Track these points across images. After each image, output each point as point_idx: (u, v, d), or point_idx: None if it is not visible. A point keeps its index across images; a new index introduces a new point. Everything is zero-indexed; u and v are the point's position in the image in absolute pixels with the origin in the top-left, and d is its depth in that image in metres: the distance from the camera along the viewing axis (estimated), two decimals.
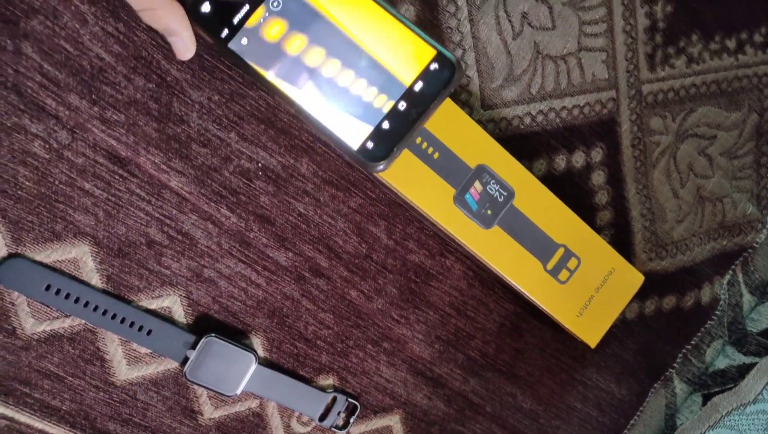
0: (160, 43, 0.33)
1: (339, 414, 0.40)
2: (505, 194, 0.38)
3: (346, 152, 0.31)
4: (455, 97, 0.40)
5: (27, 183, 0.32)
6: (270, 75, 0.30)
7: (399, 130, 0.31)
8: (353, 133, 0.31)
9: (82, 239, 0.33)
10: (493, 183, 0.38)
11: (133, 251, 0.34)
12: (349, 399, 0.41)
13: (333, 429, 0.41)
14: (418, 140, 0.36)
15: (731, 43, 0.48)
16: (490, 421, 0.46)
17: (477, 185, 0.38)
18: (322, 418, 0.40)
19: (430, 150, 0.37)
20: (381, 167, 0.31)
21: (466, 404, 0.45)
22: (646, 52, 0.45)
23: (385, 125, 0.31)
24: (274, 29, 0.30)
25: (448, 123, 0.37)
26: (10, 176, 0.31)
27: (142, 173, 0.34)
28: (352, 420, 0.41)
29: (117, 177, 0.33)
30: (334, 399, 0.40)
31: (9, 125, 0.31)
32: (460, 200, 0.38)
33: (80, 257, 0.34)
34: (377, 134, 0.31)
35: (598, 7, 0.43)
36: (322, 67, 0.31)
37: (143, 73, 0.33)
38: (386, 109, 0.31)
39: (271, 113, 0.36)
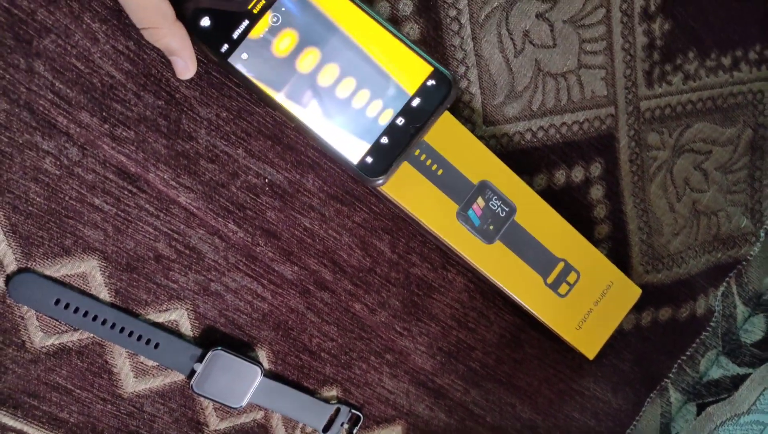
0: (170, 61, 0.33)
1: (342, 425, 0.41)
2: (507, 209, 0.39)
3: (346, 167, 0.31)
4: (458, 114, 0.41)
5: (38, 199, 0.32)
6: (270, 90, 0.31)
7: (397, 145, 0.31)
8: (353, 148, 0.31)
9: (91, 254, 0.34)
10: (495, 199, 0.39)
11: (142, 265, 0.35)
12: (353, 410, 0.41)
13: None
14: (423, 156, 0.37)
15: (727, 61, 0.49)
16: (491, 431, 0.46)
17: (479, 201, 0.38)
18: (326, 429, 0.40)
19: (434, 166, 0.37)
20: (380, 181, 0.31)
21: (467, 414, 0.45)
22: (644, 69, 0.46)
23: (384, 140, 0.31)
24: (275, 43, 0.31)
25: (452, 140, 0.38)
26: (22, 192, 0.32)
27: (151, 188, 0.34)
28: (355, 431, 0.41)
29: (126, 193, 0.34)
30: (338, 411, 0.41)
31: (21, 142, 0.31)
32: (463, 215, 0.38)
33: (89, 272, 0.34)
34: (376, 149, 0.31)
35: (597, 25, 0.44)
36: (324, 80, 0.31)
37: (153, 90, 0.33)
38: (385, 124, 0.31)
39: (278, 130, 0.36)
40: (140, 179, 0.34)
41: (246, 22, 0.30)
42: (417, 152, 0.37)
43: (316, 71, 0.31)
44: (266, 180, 0.36)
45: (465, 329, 0.44)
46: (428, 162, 0.37)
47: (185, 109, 0.34)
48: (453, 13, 0.39)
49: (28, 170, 0.32)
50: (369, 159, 0.31)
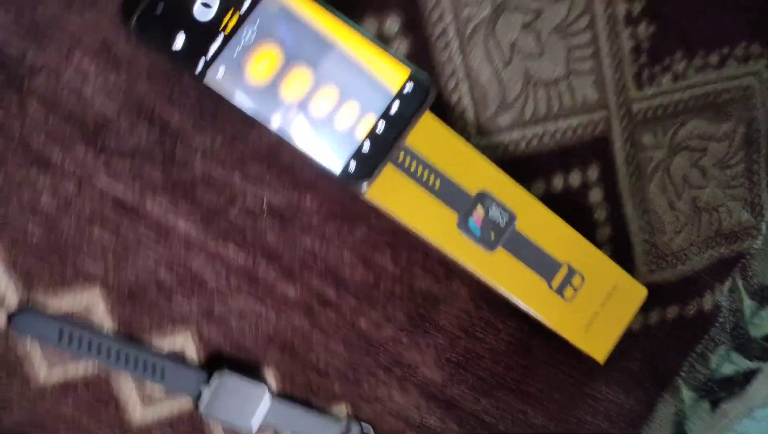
0: (162, 91, 0.32)
1: None
2: (507, 217, 0.37)
3: (330, 174, 0.30)
4: (451, 126, 0.39)
5: (37, 234, 0.31)
6: (248, 105, 0.30)
7: (379, 150, 0.30)
8: (335, 155, 0.30)
9: (93, 285, 0.32)
10: (495, 207, 0.37)
11: (144, 293, 0.33)
12: (363, 426, 0.39)
13: None
14: (419, 169, 0.35)
15: (714, 58, 0.47)
16: None
17: (479, 210, 0.36)
18: None
19: (431, 179, 0.35)
20: (365, 186, 0.31)
21: (479, 424, 0.43)
22: (633, 71, 0.44)
23: (366, 145, 0.30)
24: (250, 59, 0.30)
25: (447, 151, 0.36)
26: (20, 228, 0.30)
27: (150, 217, 0.33)
28: None
29: (125, 221, 0.32)
30: (348, 427, 0.38)
31: (18, 179, 0.30)
32: (463, 226, 0.36)
33: (92, 303, 0.32)
34: (358, 155, 0.30)
35: (583, 31, 0.42)
36: (302, 89, 0.30)
37: (145, 120, 0.32)
38: (366, 131, 0.30)
39: (274, 152, 0.35)
40: (138, 208, 0.32)
41: (220, 40, 0.29)
42: (414, 166, 0.35)
43: (294, 84, 0.30)
44: (264, 202, 0.35)
45: (472, 338, 0.42)
46: (425, 175, 0.35)
47: (179, 137, 0.33)
48: (440, 28, 0.38)
49: (25, 206, 0.30)
50: (352, 165, 0.30)
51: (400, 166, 0.35)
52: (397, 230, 0.38)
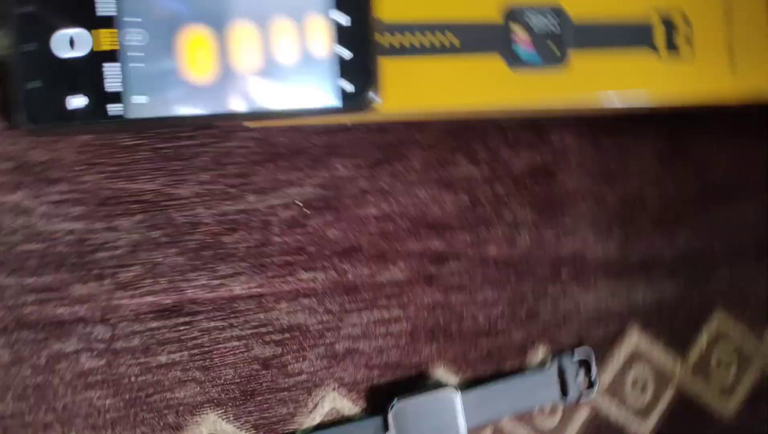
0: (114, 171, 0.30)
1: (577, 377, 0.35)
2: (554, 15, 0.33)
3: (332, 114, 0.27)
4: None
5: (106, 402, 0.29)
6: (198, 109, 0.26)
7: (360, 47, 0.27)
8: (321, 89, 0.27)
9: (201, 411, 0.30)
10: (533, 15, 0.32)
11: (256, 383, 0.31)
12: (577, 353, 0.35)
13: (582, 396, 0.35)
14: (419, 38, 0.31)
15: None
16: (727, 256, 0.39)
17: (519, 32, 0.32)
18: (564, 393, 0.35)
19: (446, 39, 0.31)
20: (377, 98, 0.27)
21: (700, 264, 0.39)
22: None
23: (345, 53, 0.27)
24: (159, 59, 0.26)
25: None
26: (86, 407, 0.29)
27: (200, 304, 0.30)
28: (594, 374, 0.36)
29: (182, 327, 0.30)
30: (561, 367, 0.35)
31: (44, 362, 0.28)
32: (515, 61, 0.32)
33: (215, 430, 0.30)
34: (344, 70, 0.27)
35: None
36: (234, 48, 0.27)
37: (120, 212, 0.30)
38: (329, 36, 0.27)
39: (268, 146, 0.32)
40: (182, 304, 0.30)
41: (117, 66, 0.26)
42: (410, 40, 0.31)
43: (222, 49, 0.27)
44: (298, 203, 0.32)
45: (614, 183, 0.38)
46: (436, 40, 0.31)
47: (165, 203, 0.30)
48: None
49: (74, 382, 0.28)
50: (347, 85, 0.27)
51: (395, 51, 0.31)
52: (449, 129, 0.35)
